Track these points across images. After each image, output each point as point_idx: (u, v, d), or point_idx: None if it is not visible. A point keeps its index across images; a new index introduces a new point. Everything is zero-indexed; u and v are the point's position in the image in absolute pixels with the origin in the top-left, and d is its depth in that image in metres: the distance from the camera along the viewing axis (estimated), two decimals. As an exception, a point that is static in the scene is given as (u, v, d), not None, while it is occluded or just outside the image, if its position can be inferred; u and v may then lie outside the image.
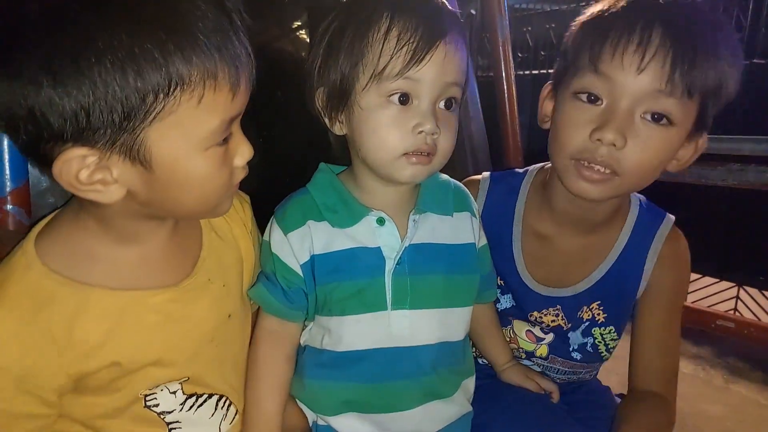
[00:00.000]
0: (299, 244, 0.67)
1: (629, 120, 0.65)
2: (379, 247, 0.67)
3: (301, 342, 0.72)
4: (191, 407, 0.61)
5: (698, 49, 0.63)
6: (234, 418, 0.67)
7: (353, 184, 0.70)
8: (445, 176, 0.76)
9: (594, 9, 0.71)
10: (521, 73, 3.39)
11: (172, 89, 0.45)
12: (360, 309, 0.67)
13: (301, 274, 0.67)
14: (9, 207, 0.67)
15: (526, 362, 0.89)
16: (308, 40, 1.22)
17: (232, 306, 0.66)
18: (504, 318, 0.88)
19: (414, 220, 0.69)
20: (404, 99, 0.61)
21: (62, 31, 0.42)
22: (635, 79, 0.64)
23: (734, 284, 2.36)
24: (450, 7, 0.65)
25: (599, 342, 0.85)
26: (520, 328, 0.87)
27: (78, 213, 0.56)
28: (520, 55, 3.36)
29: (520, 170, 0.90)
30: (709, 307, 2.19)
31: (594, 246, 0.82)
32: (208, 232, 0.66)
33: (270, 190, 0.76)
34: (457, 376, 0.75)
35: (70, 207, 0.57)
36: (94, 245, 0.55)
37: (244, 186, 0.76)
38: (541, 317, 0.85)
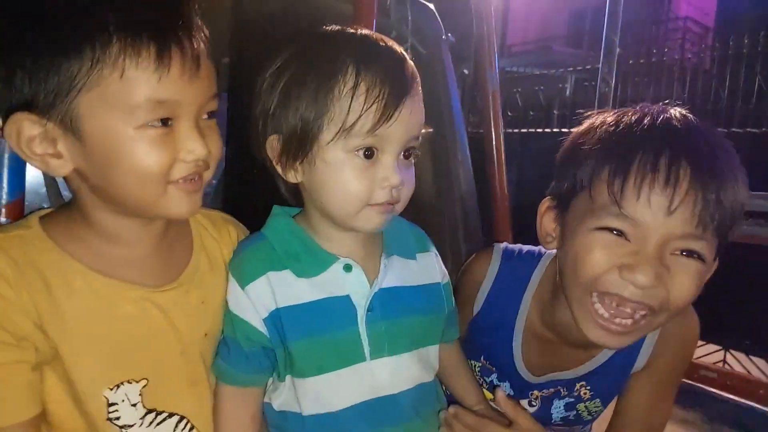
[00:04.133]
0: (258, 297, 0.63)
1: (660, 259, 0.61)
2: (347, 295, 0.65)
3: (276, 407, 0.68)
4: (150, 423, 0.61)
5: (724, 187, 0.60)
6: None
7: (312, 231, 0.67)
8: (397, 217, 0.69)
9: (597, 124, 0.66)
10: (511, 131, 3.54)
11: (94, 64, 0.50)
12: (338, 364, 0.64)
13: (263, 330, 0.64)
14: (3, 219, 0.70)
15: None
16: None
17: (209, 325, 0.66)
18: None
19: (385, 264, 0.67)
20: (369, 153, 0.60)
21: (22, 32, 0.50)
22: (664, 221, 0.59)
23: (720, 348, 2.36)
24: (408, 58, 0.63)
25: (582, 411, 0.83)
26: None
27: (71, 208, 0.62)
28: (510, 114, 3.53)
29: (534, 251, 0.84)
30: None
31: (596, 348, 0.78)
32: (199, 252, 0.68)
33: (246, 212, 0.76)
34: (437, 415, 0.74)
35: (67, 205, 0.63)
36: (86, 235, 0.60)
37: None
38: (540, 395, 0.84)
